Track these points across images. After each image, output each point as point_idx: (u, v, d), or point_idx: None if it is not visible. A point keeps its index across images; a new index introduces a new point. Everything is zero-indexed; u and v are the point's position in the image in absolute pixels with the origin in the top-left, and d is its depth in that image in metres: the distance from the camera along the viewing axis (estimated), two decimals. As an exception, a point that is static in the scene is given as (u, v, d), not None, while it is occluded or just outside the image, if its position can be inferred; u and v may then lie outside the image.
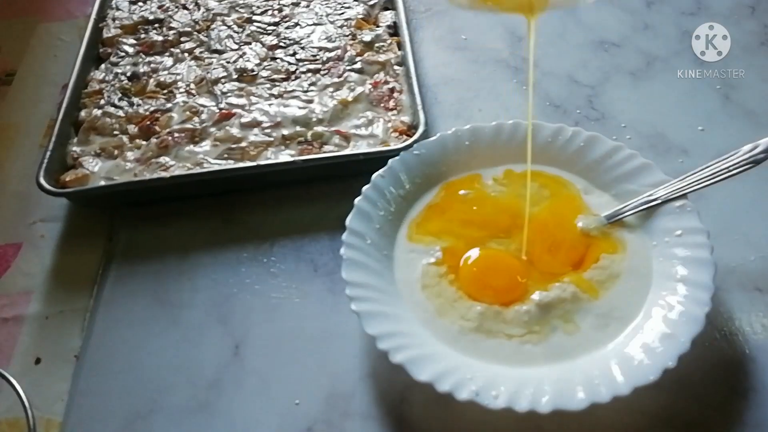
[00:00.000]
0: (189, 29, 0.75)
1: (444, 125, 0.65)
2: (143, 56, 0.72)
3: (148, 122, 0.65)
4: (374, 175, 0.55)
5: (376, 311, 0.47)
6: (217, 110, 0.66)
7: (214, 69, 0.70)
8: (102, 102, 0.68)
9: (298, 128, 0.63)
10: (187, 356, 0.52)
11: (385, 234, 0.53)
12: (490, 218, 0.54)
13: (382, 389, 0.49)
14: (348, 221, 0.52)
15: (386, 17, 0.75)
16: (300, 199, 0.62)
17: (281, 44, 0.72)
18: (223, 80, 0.69)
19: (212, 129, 0.64)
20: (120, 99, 0.68)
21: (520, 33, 0.75)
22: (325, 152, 0.61)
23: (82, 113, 0.67)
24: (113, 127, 0.65)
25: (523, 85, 0.70)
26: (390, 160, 0.56)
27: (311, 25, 0.74)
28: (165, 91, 0.68)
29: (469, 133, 0.58)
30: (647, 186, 0.53)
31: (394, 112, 0.64)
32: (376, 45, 0.71)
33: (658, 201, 0.52)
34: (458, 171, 0.57)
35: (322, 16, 0.75)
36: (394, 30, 0.73)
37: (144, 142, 0.64)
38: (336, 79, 0.68)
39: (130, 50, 0.73)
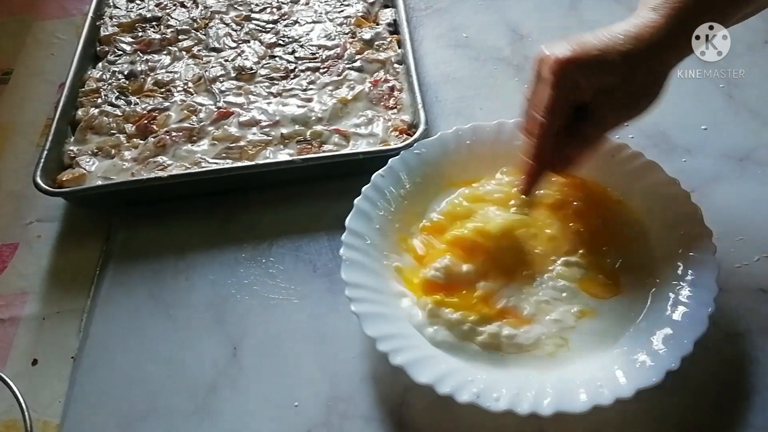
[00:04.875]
0: (187, 27, 0.75)
1: (445, 124, 0.64)
2: (141, 54, 0.72)
3: (146, 121, 0.65)
4: (374, 175, 0.55)
5: (375, 312, 0.47)
6: (215, 109, 0.65)
7: (213, 67, 0.69)
8: (99, 101, 0.67)
9: (297, 127, 0.63)
10: (184, 358, 0.52)
11: (385, 234, 0.53)
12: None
13: (382, 391, 0.49)
14: (348, 221, 0.51)
15: (386, 15, 0.74)
16: (299, 198, 0.61)
17: (280, 42, 0.72)
18: (221, 79, 0.68)
19: (210, 128, 0.64)
20: (117, 98, 0.67)
21: (521, 31, 0.75)
22: (324, 151, 0.61)
23: (79, 112, 0.66)
24: (110, 126, 0.65)
25: (525, 83, 0.69)
26: (390, 160, 0.56)
27: (310, 23, 0.74)
28: (162, 90, 0.68)
29: (470, 132, 0.58)
30: (652, 184, 0.53)
31: (394, 110, 0.64)
32: (376, 43, 0.70)
33: None
34: (460, 171, 0.56)
35: (321, 14, 0.75)
36: (394, 28, 0.73)
37: (141, 141, 0.63)
38: (335, 78, 0.67)
39: (128, 48, 0.73)
